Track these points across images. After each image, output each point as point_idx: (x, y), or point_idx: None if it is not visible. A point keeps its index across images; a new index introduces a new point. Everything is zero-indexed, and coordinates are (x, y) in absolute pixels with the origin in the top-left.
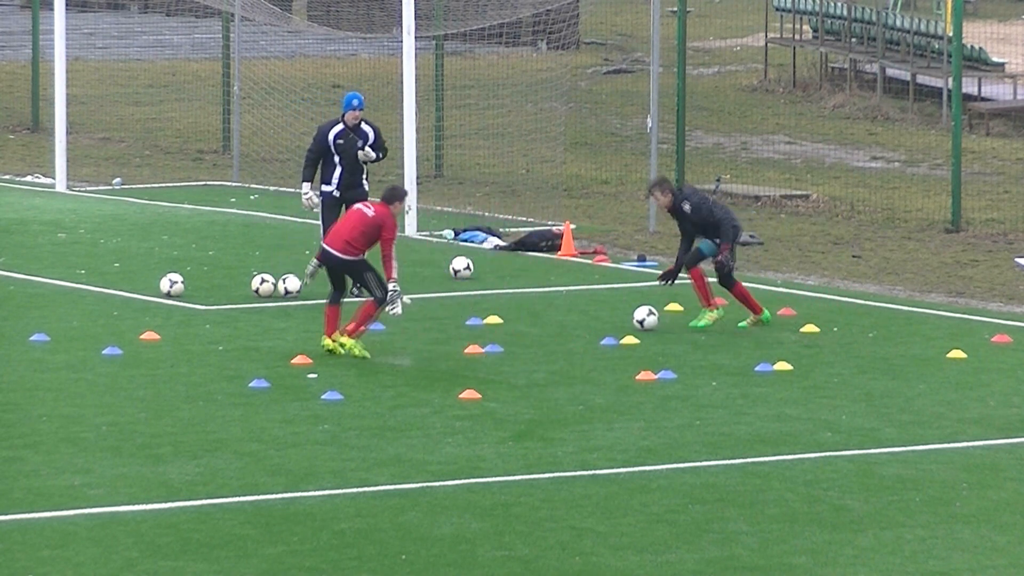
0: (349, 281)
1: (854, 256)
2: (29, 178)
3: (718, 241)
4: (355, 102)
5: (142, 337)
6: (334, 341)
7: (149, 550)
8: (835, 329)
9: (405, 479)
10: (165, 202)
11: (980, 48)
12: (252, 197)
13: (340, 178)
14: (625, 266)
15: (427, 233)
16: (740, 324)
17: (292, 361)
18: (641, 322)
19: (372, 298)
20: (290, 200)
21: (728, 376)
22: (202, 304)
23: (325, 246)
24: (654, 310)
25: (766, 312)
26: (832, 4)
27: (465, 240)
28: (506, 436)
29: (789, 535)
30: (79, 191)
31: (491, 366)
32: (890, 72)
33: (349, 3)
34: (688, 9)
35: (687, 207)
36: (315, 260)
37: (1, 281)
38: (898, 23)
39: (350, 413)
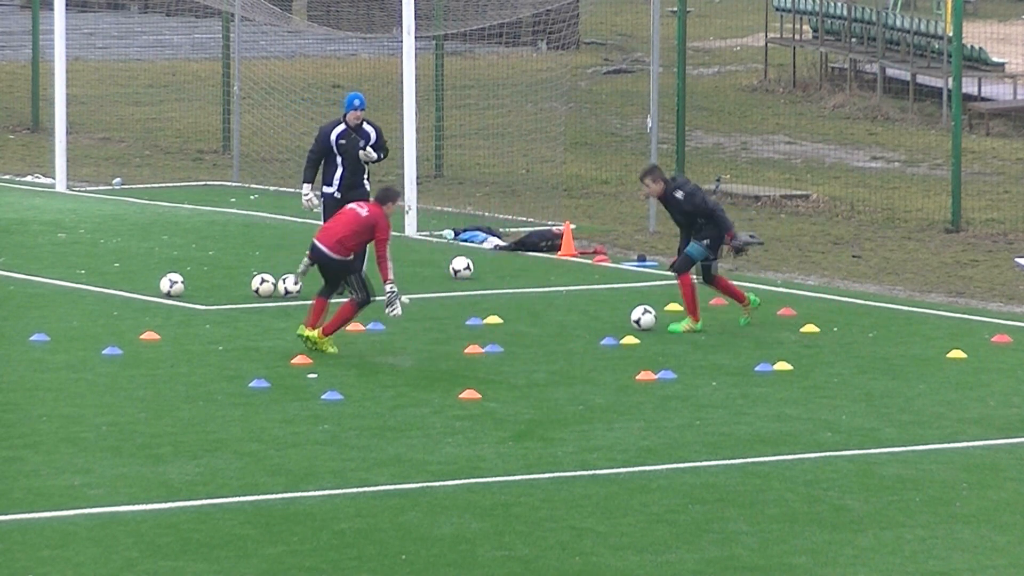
0: None
1: (854, 256)
2: (29, 178)
3: (706, 242)
4: (357, 102)
5: (142, 337)
6: (308, 333)
7: (149, 550)
8: (835, 329)
9: (405, 479)
10: (165, 202)
11: (980, 48)
12: (252, 197)
13: (342, 179)
14: (625, 266)
15: (427, 233)
16: (741, 321)
17: (292, 361)
18: (637, 321)
19: (352, 299)
20: (290, 200)
21: (728, 376)
22: (202, 304)
23: (316, 242)
24: (650, 309)
25: (752, 296)
26: (832, 4)
27: (465, 240)
28: (506, 436)
29: (789, 535)
30: (79, 191)
31: (491, 366)
32: (890, 72)
33: (349, 3)
34: (688, 9)
35: (680, 195)
36: (307, 259)
37: (1, 281)
38: (898, 23)
39: (350, 413)
